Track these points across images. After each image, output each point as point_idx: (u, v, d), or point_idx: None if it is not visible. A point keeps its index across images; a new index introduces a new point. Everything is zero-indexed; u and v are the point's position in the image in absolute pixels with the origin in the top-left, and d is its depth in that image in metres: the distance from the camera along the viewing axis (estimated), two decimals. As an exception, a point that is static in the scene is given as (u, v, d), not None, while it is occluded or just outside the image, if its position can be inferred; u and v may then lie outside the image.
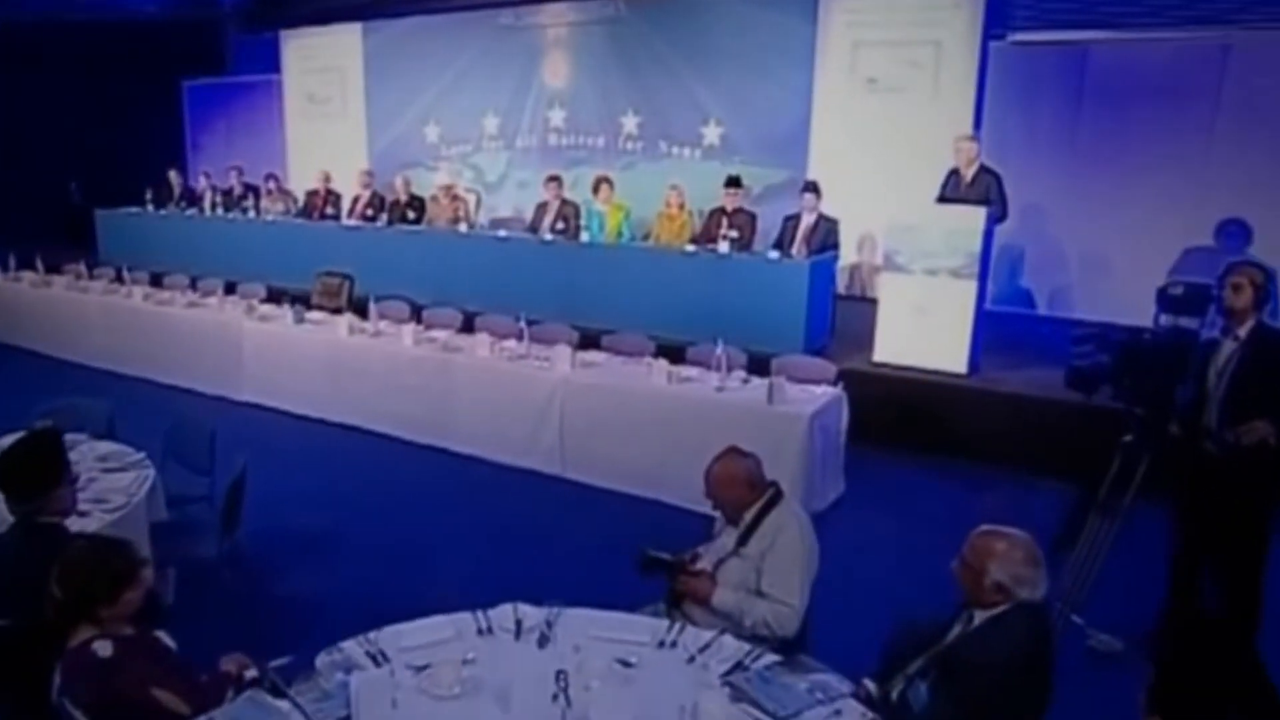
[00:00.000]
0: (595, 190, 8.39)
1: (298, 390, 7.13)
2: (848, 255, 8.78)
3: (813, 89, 9.27)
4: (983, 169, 6.79)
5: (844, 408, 5.39)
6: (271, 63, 13.47)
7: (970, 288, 6.23)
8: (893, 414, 6.21)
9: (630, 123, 10.43)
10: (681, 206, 8.24)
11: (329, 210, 10.46)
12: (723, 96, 9.82)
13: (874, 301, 7.47)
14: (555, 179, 8.83)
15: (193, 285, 9.08)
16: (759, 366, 5.90)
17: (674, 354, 6.18)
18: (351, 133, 12.65)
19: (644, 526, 5.21)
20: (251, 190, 11.21)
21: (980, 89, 8.60)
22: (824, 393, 5.30)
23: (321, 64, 12.88)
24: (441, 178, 9.18)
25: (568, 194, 9.08)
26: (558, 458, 5.86)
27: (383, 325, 6.97)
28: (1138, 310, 8.14)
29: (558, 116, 10.93)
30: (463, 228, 8.57)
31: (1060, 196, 8.47)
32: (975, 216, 6.18)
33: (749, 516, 2.87)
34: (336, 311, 8.17)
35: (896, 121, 8.84)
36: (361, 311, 7.31)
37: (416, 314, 7.53)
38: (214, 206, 10.98)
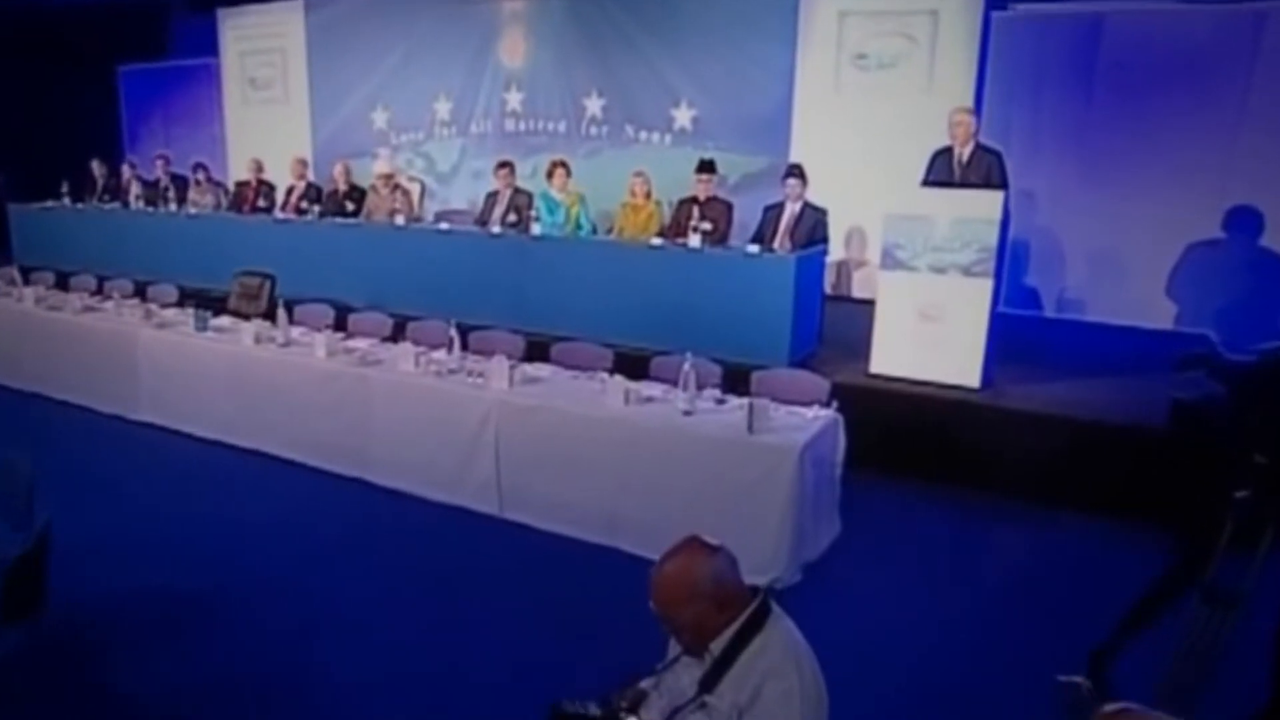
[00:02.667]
0: (549, 176, 7.39)
1: (198, 409, 6.11)
2: (834, 250, 7.88)
3: (795, 67, 8.40)
4: (981, 147, 5.88)
5: (840, 433, 4.43)
6: (213, 45, 12.39)
7: (984, 288, 5.29)
8: (893, 436, 5.25)
9: (594, 105, 9.47)
10: (648, 195, 7.27)
11: (261, 203, 9.45)
12: (695, 76, 8.90)
13: (863, 302, 6.57)
14: (506, 165, 7.83)
15: (99, 287, 8.08)
16: (737, 381, 4.95)
17: (637, 366, 5.22)
18: (294, 119, 11.62)
19: (593, 583, 4.27)
20: (180, 182, 10.16)
21: (981, 65, 7.71)
22: (816, 416, 4.33)
23: (261, 45, 11.82)
24: (381, 165, 8.17)
25: (526, 183, 8.13)
26: (494, 494, 4.86)
27: (297, 333, 5.95)
28: (1157, 312, 7.36)
29: (515, 99, 9.95)
30: (400, 220, 7.55)
31: (1070, 185, 7.64)
32: (990, 202, 5.24)
33: (717, 648, 1.85)
34: (252, 317, 7.21)
35: (888, 102, 7.98)
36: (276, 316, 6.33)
37: (342, 319, 6.54)
38: (138, 199, 9.94)
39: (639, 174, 7.29)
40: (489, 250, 7.03)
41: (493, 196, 7.84)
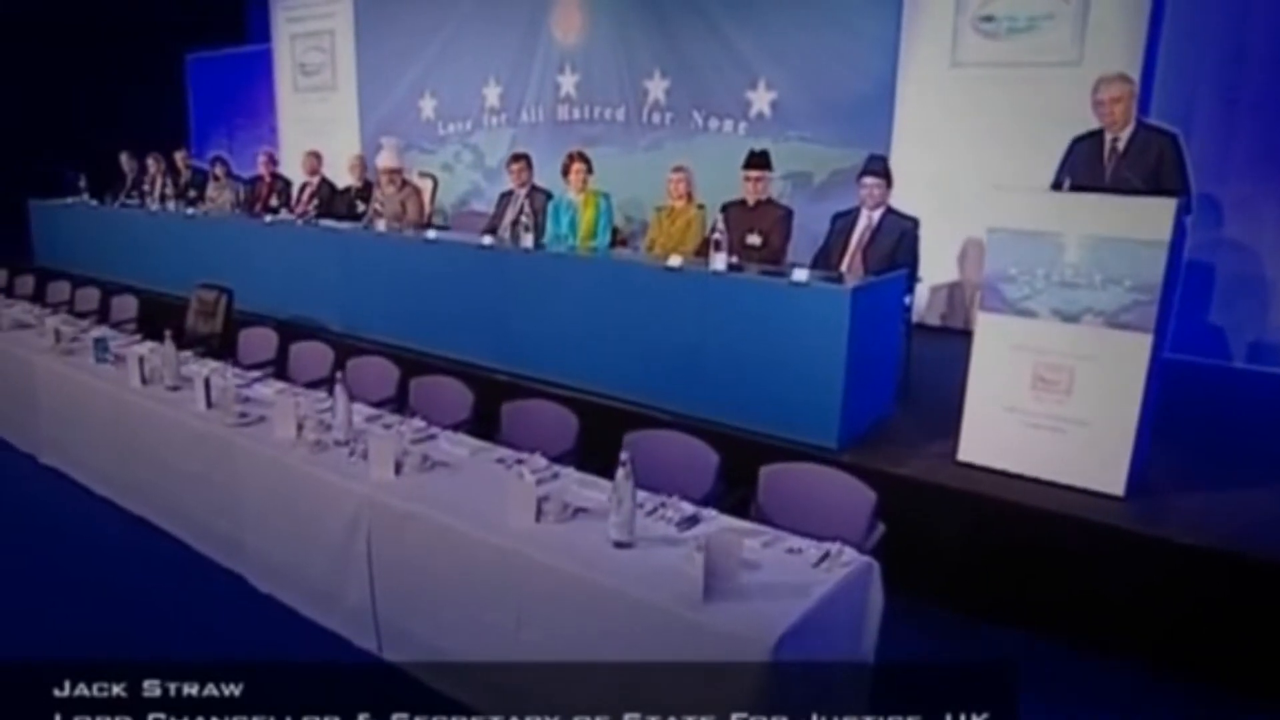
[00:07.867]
0: (565, 172, 5.80)
1: (90, 459, 4.86)
2: (944, 273, 6.10)
3: (900, 36, 6.63)
4: (1144, 128, 3.98)
5: (875, 591, 2.67)
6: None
7: (1140, 345, 3.40)
8: (985, 565, 3.46)
9: (657, 88, 7.92)
10: (689, 198, 5.60)
11: (273, 201, 8.30)
12: (775, 50, 7.27)
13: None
14: (521, 158, 6.30)
15: (71, 297, 7.14)
16: (750, 473, 3.26)
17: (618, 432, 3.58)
18: (343, 108, 10.51)
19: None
20: (201, 177, 9.16)
21: (1154, 26, 5.74)
22: (829, 567, 2.60)
23: (311, 27, 10.76)
24: (385, 158, 6.80)
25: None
26: (369, 627, 3.34)
27: (191, 369, 4.57)
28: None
29: (569, 82, 8.50)
30: (380, 225, 6.14)
31: (1274, 187, 5.57)
32: (1157, 214, 3.34)
33: None
34: (209, 338, 6.00)
35: (1024, 77, 6.10)
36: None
37: (284, 348, 5.20)
38: (160, 198, 8.98)
39: (678, 169, 5.61)
40: (473, 267, 5.46)
41: (506, 197, 6.34)
